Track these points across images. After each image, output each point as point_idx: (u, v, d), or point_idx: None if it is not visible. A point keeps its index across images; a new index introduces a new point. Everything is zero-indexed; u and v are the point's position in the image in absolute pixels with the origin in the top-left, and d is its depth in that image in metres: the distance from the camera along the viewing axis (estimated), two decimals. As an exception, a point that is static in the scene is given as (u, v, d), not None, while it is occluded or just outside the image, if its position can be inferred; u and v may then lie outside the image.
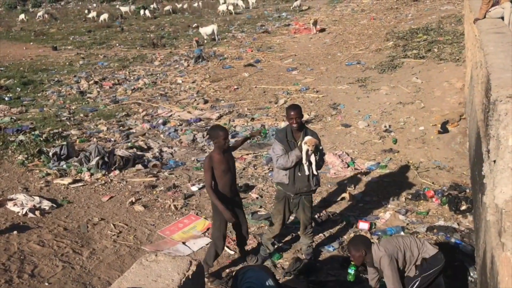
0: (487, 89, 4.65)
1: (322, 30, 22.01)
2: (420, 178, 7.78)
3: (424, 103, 10.79)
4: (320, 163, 5.32)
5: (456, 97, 10.73)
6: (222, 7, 33.96)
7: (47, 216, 6.50)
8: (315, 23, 21.87)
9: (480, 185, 4.49)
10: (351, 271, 4.65)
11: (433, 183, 7.60)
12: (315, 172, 5.19)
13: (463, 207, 6.70)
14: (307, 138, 5.01)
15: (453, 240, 5.88)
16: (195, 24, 23.06)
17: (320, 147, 5.26)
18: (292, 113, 5.04)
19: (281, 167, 5.15)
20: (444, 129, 9.39)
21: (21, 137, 9.61)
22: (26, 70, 17.48)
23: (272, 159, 5.29)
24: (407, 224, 6.42)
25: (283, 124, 10.35)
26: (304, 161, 5.06)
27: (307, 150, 5.00)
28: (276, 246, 5.76)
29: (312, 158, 5.09)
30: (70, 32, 29.41)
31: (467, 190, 7.18)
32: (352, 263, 4.58)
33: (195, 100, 13.06)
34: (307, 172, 5.11)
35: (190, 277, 3.11)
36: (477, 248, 4.49)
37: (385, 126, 9.84)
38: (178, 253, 5.75)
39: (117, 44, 23.80)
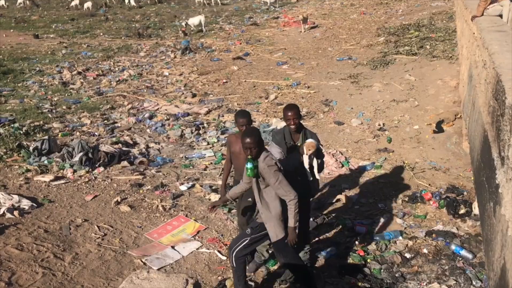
0: (497, 91, 4.40)
1: (313, 27, 21.28)
2: (416, 179, 7.56)
3: (418, 101, 10.58)
4: (320, 168, 4.98)
5: (451, 95, 10.54)
6: None
7: (27, 217, 6.09)
8: (305, 20, 20.72)
9: (491, 193, 4.25)
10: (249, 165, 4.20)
11: (429, 184, 7.40)
12: (317, 177, 4.89)
13: (462, 211, 6.50)
14: (308, 141, 4.70)
15: (453, 246, 5.66)
16: (184, 19, 22.48)
17: (322, 151, 4.95)
18: (289, 113, 4.72)
19: None
20: (439, 129, 9.20)
21: (-1, 129, 9.13)
22: (5, 59, 16.82)
23: None
24: (405, 228, 6.20)
25: (274, 121, 10.06)
26: (306, 165, 4.75)
27: (310, 155, 4.69)
28: (271, 252, 5.46)
29: (314, 162, 4.78)
30: (52, 19, 28.55)
31: (465, 193, 7.02)
32: (249, 157, 4.17)
33: (183, 93, 12.67)
34: (310, 177, 4.80)
35: (186, 298, 2.80)
36: (490, 261, 4.25)
37: (379, 125, 9.61)
38: (167, 258, 5.40)
39: (101, 34, 23.15)
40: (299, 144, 4.81)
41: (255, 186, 4.35)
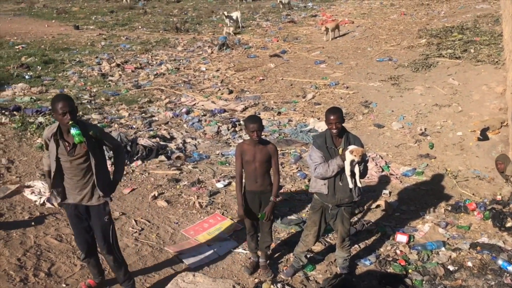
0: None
1: (343, 34, 19.60)
2: (459, 188, 7.30)
3: (461, 106, 10.23)
4: (364, 172, 4.77)
5: (497, 102, 10.14)
6: None
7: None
8: (327, 30, 18.74)
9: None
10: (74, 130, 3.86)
11: (473, 194, 7.14)
12: (359, 184, 4.67)
13: (509, 224, 6.23)
14: (353, 147, 4.45)
15: (500, 261, 5.40)
16: (225, 12, 22.37)
17: (366, 157, 4.74)
18: (332, 117, 4.48)
19: (319, 176, 4.62)
20: (484, 136, 8.86)
21: (40, 118, 9.25)
22: (47, 49, 17.15)
23: (310, 167, 4.75)
24: (448, 238, 5.96)
25: (311, 120, 9.91)
26: (347, 172, 4.53)
27: (352, 161, 4.47)
28: (309, 257, 5.33)
29: (356, 169, 4.56)
30: (92, 11, 29.07)
31: (510, 203, 6.72)
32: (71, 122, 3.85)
33: (219, 89, 12.63)
34: (350, 185, 4.60)
35: (233, 305, 2.70)
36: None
37: (420, 129, 9.33)
38: (203, 257, 5.35)
39: (140, 27, 23.38)
40: (340, 149, 4.61)
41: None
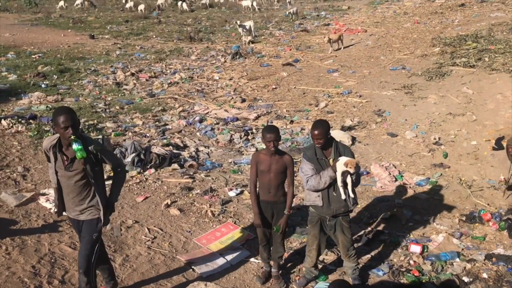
0: None
1: (347, 46, 19.07)
2: (474, 198, 7.23)
3: (476, 115, 10.13)
4: (357, 181, 4.77)
5: (511, 111, 10.02)
6: (245, 3, 33.39)
7: (80, 215, 6.19)
8: (330, 41, 18.36)
9: None
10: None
11: (488, 204, 7.05)
12: (351, 195, 4.67)
13: (525, 235, 6.14)
14: (347, 159, 4.45)
15: (515, 272, 5.33)
16: (238, 21, 22.50)
17: (359, 168, 4.72)
18: (315, 132, 4.52)
19: (312, 189, 4.64)
20: (499, 146, 8.75)
21: (53, 130, 9.38)
22: (63, 58, 17.41)
23: (302, 180, 4.75)
24: (462, 249, 5.89)
25: (324, 129, 9.86)
26: (339, 183, 4.54)
27: (344, 172, 4.47)
28: (321, 267, 5.31)
29: (348, 179, 4.57)
30: (107, 21, 29.45)
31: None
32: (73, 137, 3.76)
33: (232, 98, 12.70)
34: (343, 196, 4.60)
35: (244, 314, 2.70)
36: None
37: (434, 138, 9.26)
38: (215, 266, 5.37)
39: (154, 36, 23.62)
40: (331, 160, 4.62)
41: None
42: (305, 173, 4.63)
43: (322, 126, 4.57)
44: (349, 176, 4.55)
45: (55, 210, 4.22)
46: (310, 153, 4.68)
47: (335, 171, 4.49)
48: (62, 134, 3.76)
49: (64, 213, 4.23)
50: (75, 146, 3.72)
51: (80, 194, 3.99)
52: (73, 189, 3.96)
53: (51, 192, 6.66)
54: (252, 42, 20.74)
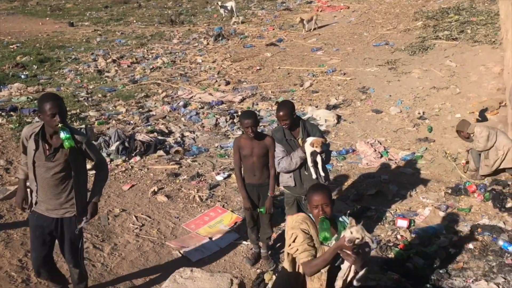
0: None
1: (322, 26, 18.33)
2: (459, 170, 7.30)
3: (459, 88, 10.19)
4: (327, 158, 4.83)
5: (494, 82, 10.10)
6: None
7: (66, 206, 6.14)
8: (302, 21, 17.73)
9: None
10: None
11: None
12: (322, 173, 4.70)
13: (509, 204, 6.24)
14: (312, 139, 4.49)
15: (500, 241, 5.41)
16: (219, 2, 22.19)
17: (327, 142, 4.75)
18: (280, 113, 4.60)
19: (284, 170, 4.71)
20: (482, 117, 8.84)
21: (37, 118, 9.25)
22: (42, 47, 17.08)
23: (274, 162, 4.80)
24: (449, 221, 5.96)
25: (309, 109, 9.88)
26: (309, 163, 4.58)
27: (313, 152, 4.50)
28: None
29: (318, 158, 4.59)
30: (86, 7, 28.90)
31: (510, 183, 6.72)
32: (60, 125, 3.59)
33: (216, 81, 12.59)
34: (314, 176, 4.64)
35: (231, 299, 2.71)
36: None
37: (418, 113, 9.30)
38: (205, 250, 5.38)
39: (135, 21, 23.25)
40: (300, 139, 4.68)
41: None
42: (276, 155, 4.69)
43: (286, 107, 4.62)
44: (318, 155, 4.58)
45: (24, 205, 3.91)
46: (278, 135, 4.74)
47: (304, 152, 4.54)
48: (49, 121, 3.54)
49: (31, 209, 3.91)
50: (63, 135, 3.51)
51: (57, 187, 3.74)
52: (50, 182, 3.72)
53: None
54: (242, 22, 20.52)
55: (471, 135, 6.95)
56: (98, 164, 3.99)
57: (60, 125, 3.53)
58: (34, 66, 14.26)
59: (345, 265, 3.16)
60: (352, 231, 3.01)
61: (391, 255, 5.32)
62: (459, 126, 7.14)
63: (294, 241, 3.18)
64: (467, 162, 7.26)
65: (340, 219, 3.37)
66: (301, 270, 3.28)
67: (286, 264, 3.40)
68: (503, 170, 6.92)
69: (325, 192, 3.23)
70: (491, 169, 6.86)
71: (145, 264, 5.06)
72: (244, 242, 5.56)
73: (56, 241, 4.04)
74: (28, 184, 3.94)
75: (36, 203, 3.84)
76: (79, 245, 4.03)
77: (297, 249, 3.17)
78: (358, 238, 2.98)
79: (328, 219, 3.11)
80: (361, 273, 3.18)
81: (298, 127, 4.70)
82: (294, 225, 3.25)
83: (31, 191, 3.87)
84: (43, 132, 3.67)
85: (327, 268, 3.10)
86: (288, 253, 3.33)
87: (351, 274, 3.17)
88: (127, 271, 4.91)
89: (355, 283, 3.18)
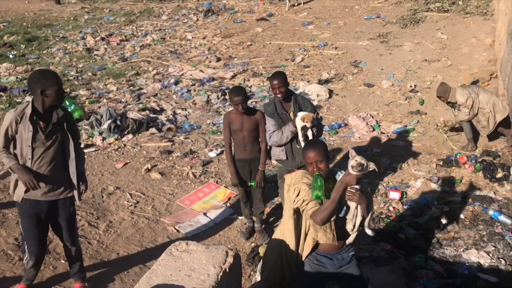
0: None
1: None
2: (450, 142, 7.36)
3: (451, 60, 10.19)
4: (319, 133, 4.82)
5: (486, 54, 10.11)
6: None
7: (60, 185, 6.14)
8: None
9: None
10: None
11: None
12: None
13: (499, 175, 6.34)
14: (303, 114, 4.50)
15: (490, 211, 5.50)
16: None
17: (319, 116, 4.76)
18: (274, 82, 4.57)
19: (275, 144, 4.74)
20: (473, 89, 8.86)
21: (28, 98, 9.15)
22: (29, 26, 16.78)
23: (265, 136, 4.80)
24: (440, 193, 6.04)
25: (301, 84, 9.86)
26: (300, 137, 4.58)
27: (303, 126, 4.50)
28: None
29: (309, 133, 4.58)
30: (73, -16, 28.30)
31: (500, 154, 6.80)
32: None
33: (207, 57, 12.48)
34: None
35: (227, 270, 2.76)
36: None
37: (410, 86, 9.32)
38: (199, 225, 5.44)
39: (123, -3, 22.86)
40: (291, 113, 4.68)
41: None
42: (268, 129, 4.70)
43: (280, 75, 4.63)
44: (309, 130, 4.57)
45: (33, 182, 3.66)
46: (270, 109, 4.74)
47: (295, 126, 4.54)
48: (55, 97, 3.54)
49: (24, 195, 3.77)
50: (73, 106, 3.56)
51: (58, 164, 3.74)
52: (52, 160, 3.69)
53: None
54: None
55: (455, 104, 6.98)
56: (77, 141, 3.97)
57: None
58: (22, 45, 14.04)
59: (352, 206, 3.13)
60: (357, 159, 3.01)
61: (383, 226, 5.39)
62: (439, 92, 7.13)
63: (298, 195, 3.13)
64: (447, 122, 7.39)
65: (339, 172, 3.33)
66: (305, 227, 3.26)
67: (287, 225, 3.32)
68: (503, 123, 6.93)
69: (319, 149, 3.11)
70: (489, 128, 6.92)
71: (141, 240, 5.11)
72: (238, 217, 5.61)
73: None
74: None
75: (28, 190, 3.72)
76: (74, 222, 4.08)
77: (303, 200, 3.10)
78: (363, 164, 2.99)
79: (323, 177, 3.07)
80: (368, 218, 3.17)
81: (290, 101, 4.70)
82: (295, 181, 3.19)
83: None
84: (35, 112, 3.61)
85: (334, 217, 3.10)
86: (294, 212, 3.25)
87: (359, 218, 3.14)
88: (123, 247, 4.95)
89: (368, 231, 3.19)
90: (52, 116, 3.65)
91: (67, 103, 3.60)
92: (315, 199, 2.99)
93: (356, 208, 3.10)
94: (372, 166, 3.05)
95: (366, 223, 3.20)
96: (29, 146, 3.60)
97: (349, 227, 3.13)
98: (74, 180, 3.85)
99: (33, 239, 3.89)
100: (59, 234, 4.07)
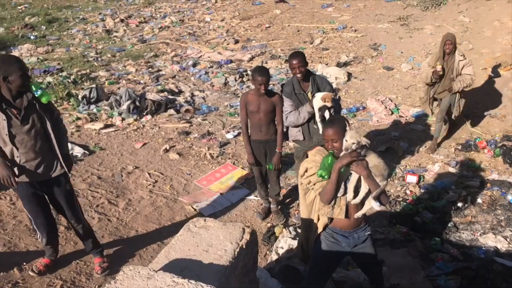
0: None
1: None
2: (470, 126, 7.26)
3: (472, 44, 10.00)
4: (337, 113, 4.72)
5: (509, 37, 9.89)
6: None
7: (80, 164, 6.27)
8: None
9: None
10: None
11: (484, 132, 7.09)
12: None
13: (519, 160, 6.24)
14: (324, 94, 4.42)
15: (509, 196, 5.46)
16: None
17: (337, 96, 4.70)
18: (294, 62, 4.51)
19: (292, 124, 4.71)
20: (495, 73, 8.72)
21: (49, 78, 9.30)
22: (50, 7, 16.95)
23: (282, 118, 4.78)
24: (458, 177, 6.00)
25: (319, 67, 9.80)
26: (317, 118, 4.53)
27: (321, 107, 4.45)
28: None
29: (327, 113, 4.53)
30: (92, -34, 28.36)
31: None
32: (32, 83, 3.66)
33: (225, 39, 12.47)
34: (321, 131, 4.52)
35: (244, 246, 2.81)
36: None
37: (430, 69, 9.16)
38: (216, 205, 5.51)
39: (142, -21, 22.84)
40: (309, 93, 4.63)
41: None
42: (285, 109, 4.68)
43: (300, 55, 4.57)
44: (326, 111, 4.53)
45: (11, 180, 3.64)
46: (288, 89, 4.70)
47: (312, 107, 4.51)
48: (20, 82, 3.49)
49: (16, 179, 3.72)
50: (39, 92, 3.56)
51: (43, 145, 3.74)
52: (34, 142, 3.68)
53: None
54: None
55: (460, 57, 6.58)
56: (57, 118, 3.96)
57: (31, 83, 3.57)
58: (42, 26, 14.21)
59: (353, 177, 3.04)
60: (347, 139, 2.92)
61: (400, 209, 5.39)
62: (448, 36, 6.53)
63: (305, 172, 3.16)
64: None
65: None
66: (316, 208, 3.29)
67: (302, 200, 3.39)
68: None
69: (336, 127, 3.02)
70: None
71: (159, 218, 5.20)
72: (254, 198, 5.67)
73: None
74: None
75: (19, 174, 3.75)
76: (74, 199, 4.11)
77: (310, 181, 3.13)
78: (354, 143, 2.90)
79: (336, 156, 3.06)
80: (377, 190, 2.98)
81: (308, 81, 4.68)
82: (309, 159, 3.23)
83: (12, 166, 3.72)
84: (3, 100, 3.58)
85: (341, 194, 3.11)
86: (305, 192, 3.30)
87: (363, 190, 3.04)
88: (141, 225, 5.06)
89: (372, 203, 3.04)
90: (23, 101, 3.63)
91: (34, 88, 3.57)
92: (319, 177, 2.99)
93: (359, 179, 3.03)
94: (364, 141, 2.94)
95: (372, 194, 3.02)
96: (6, 134, 3.58)
97: (349, 196, 3.08)
98: (60, 158, 3.86)
99: (39, 218, 3.97)
100: (63, 214, 4.15)
